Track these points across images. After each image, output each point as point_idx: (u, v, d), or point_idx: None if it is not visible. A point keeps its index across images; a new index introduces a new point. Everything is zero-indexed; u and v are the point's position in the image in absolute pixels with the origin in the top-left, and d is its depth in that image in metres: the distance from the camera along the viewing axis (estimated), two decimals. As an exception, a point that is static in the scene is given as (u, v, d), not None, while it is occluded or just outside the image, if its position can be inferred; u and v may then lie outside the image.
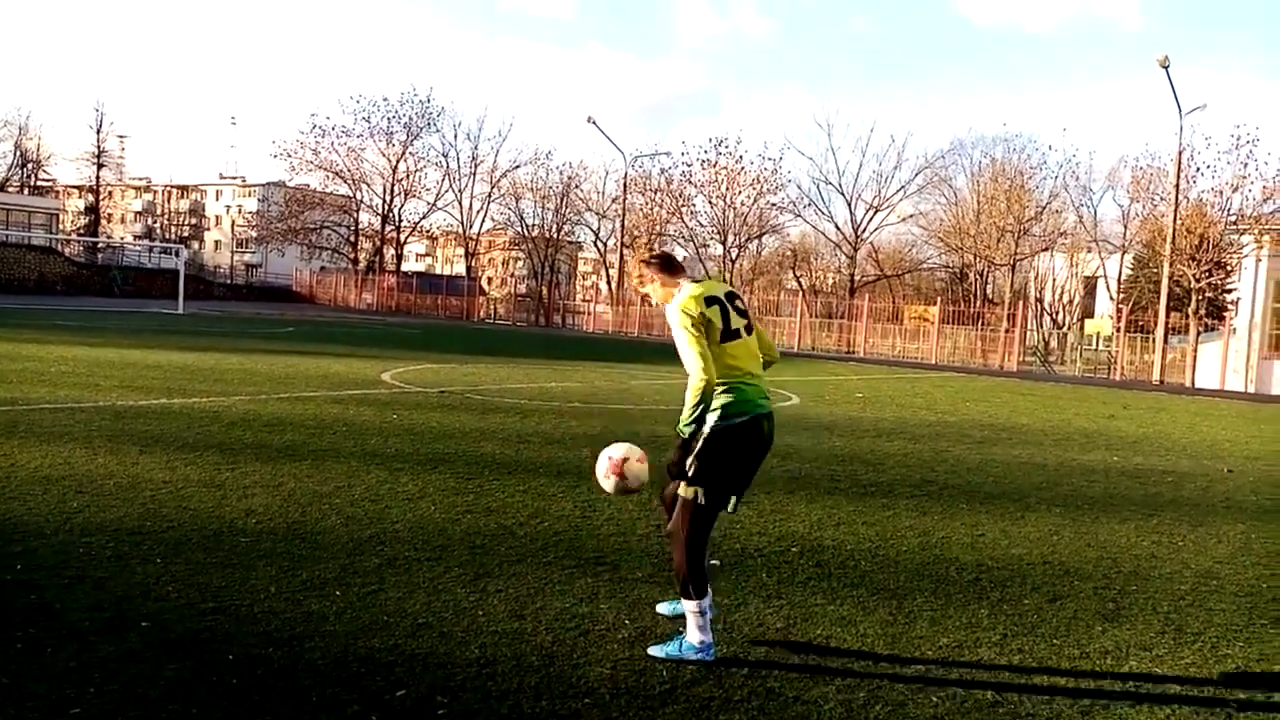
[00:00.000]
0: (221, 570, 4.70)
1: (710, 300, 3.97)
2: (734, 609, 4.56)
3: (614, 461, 4.15)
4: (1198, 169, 33.29)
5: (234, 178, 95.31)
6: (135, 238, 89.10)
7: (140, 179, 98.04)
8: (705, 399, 3.82)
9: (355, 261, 60.46)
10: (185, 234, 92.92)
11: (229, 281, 68.41)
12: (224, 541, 5.21)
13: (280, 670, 3.59)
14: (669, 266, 4.20)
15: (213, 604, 4.23)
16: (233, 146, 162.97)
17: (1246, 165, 31.92)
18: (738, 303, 4.09)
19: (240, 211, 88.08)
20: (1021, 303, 37.39)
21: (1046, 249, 47.64)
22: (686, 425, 3.86)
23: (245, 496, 6.27)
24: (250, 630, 3.96)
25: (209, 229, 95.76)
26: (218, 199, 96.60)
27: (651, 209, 49.95)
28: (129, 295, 51.38)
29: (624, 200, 48.02)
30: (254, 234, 69.67)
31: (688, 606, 3.92)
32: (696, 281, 4.11)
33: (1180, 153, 30.42)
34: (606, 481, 4.19)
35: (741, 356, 3.99)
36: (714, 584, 4.66)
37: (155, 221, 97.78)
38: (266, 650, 3.76)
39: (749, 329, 4.08)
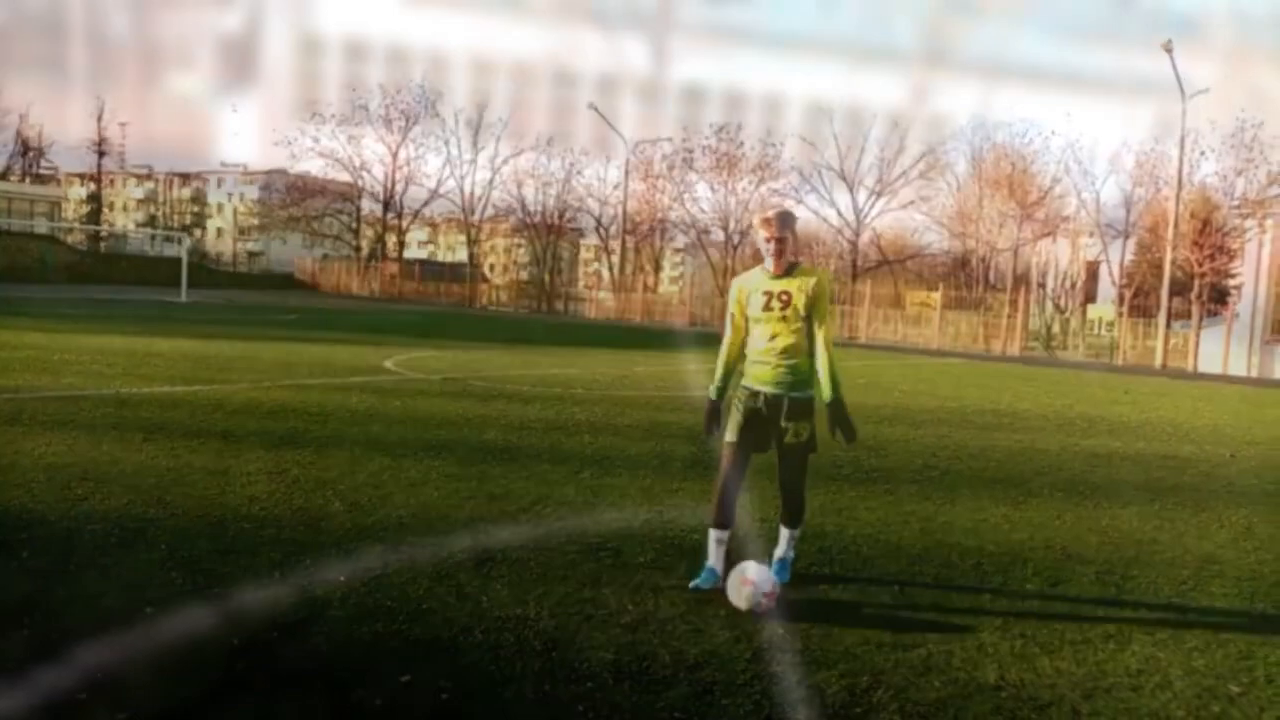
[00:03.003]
0: (226, 557, 4.72)
1: None
2: (736, 594, 4.57)
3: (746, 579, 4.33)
4: (1201, 153, 33.18)
5: (236, 165, 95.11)
6: (138, 225, 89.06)
7: (142, 167, 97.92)
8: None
9: (357, 249, 60.41)
10: (188, 222, 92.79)
11: (232, 269, 68.37)
12: (228, 528, 5.23)
13: (285, 656, 3.60)
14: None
15: (217, 590, 4.25)
16: (235, 134, 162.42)
17: (1251, 149, 31.85)
18: None
19: (242, 199, 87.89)
20: (1024, 288, 37.34)
21: (1049, 234, 47.51)
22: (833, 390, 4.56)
23: (249, 484, 6.29)
24: (255, 616, 3.98)
25: (211, 217, 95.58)
26: (219, 187, 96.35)
27: (653, 195, 49.85)
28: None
29: (625, 187, 47.93)
30: (256, 222, 69.65)
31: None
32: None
33: (1183, 137, 30.29)
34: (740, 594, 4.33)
35: None
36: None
37: (157, 209, 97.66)
38: (271, 635, 3.78)
39: None
